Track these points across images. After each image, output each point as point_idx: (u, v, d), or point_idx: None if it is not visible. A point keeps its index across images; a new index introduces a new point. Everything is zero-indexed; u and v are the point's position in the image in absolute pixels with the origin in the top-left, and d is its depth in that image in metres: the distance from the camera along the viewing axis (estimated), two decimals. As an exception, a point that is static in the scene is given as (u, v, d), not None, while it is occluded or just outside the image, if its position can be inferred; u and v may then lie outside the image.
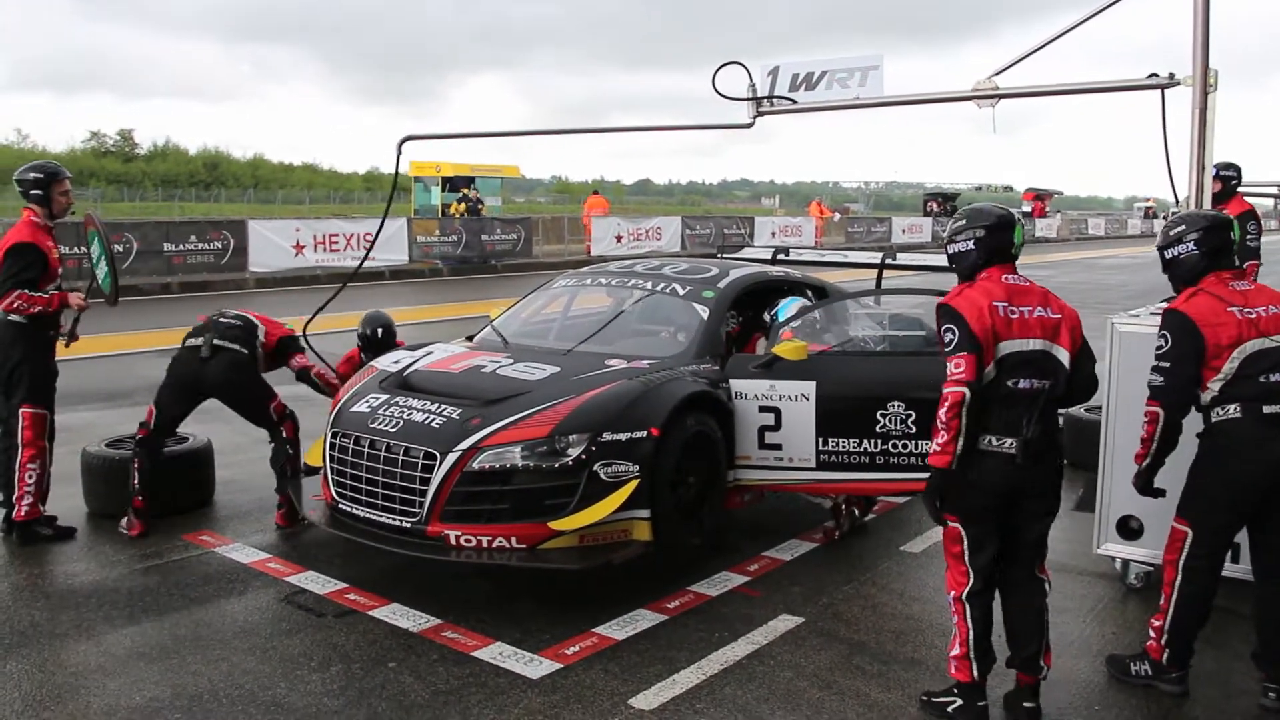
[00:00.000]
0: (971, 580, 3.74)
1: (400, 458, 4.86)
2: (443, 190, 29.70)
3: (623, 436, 4.83)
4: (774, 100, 6.34)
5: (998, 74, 5.71)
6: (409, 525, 4.82)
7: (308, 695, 3.97)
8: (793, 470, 5.40)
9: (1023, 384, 3.65)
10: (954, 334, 3.64)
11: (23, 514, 5.54)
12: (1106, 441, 5.01)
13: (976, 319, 3.62)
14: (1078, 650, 4.46)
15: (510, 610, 4.77)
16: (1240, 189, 7.69)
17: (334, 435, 5.25)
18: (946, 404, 3.59)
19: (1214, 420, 3.91)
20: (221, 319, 6.01)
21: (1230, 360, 3.82)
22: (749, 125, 6.48)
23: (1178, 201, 5.28)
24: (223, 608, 4.82)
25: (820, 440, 5.30)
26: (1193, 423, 3.99)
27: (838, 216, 42.59)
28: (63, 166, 5.75)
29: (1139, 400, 4.32)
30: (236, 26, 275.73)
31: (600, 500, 4.74)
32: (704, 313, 5.92)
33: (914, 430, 5.21)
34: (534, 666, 4.21)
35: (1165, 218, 4.59)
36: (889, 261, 7.12)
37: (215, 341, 5.83)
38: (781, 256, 7.53)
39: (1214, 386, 3.86)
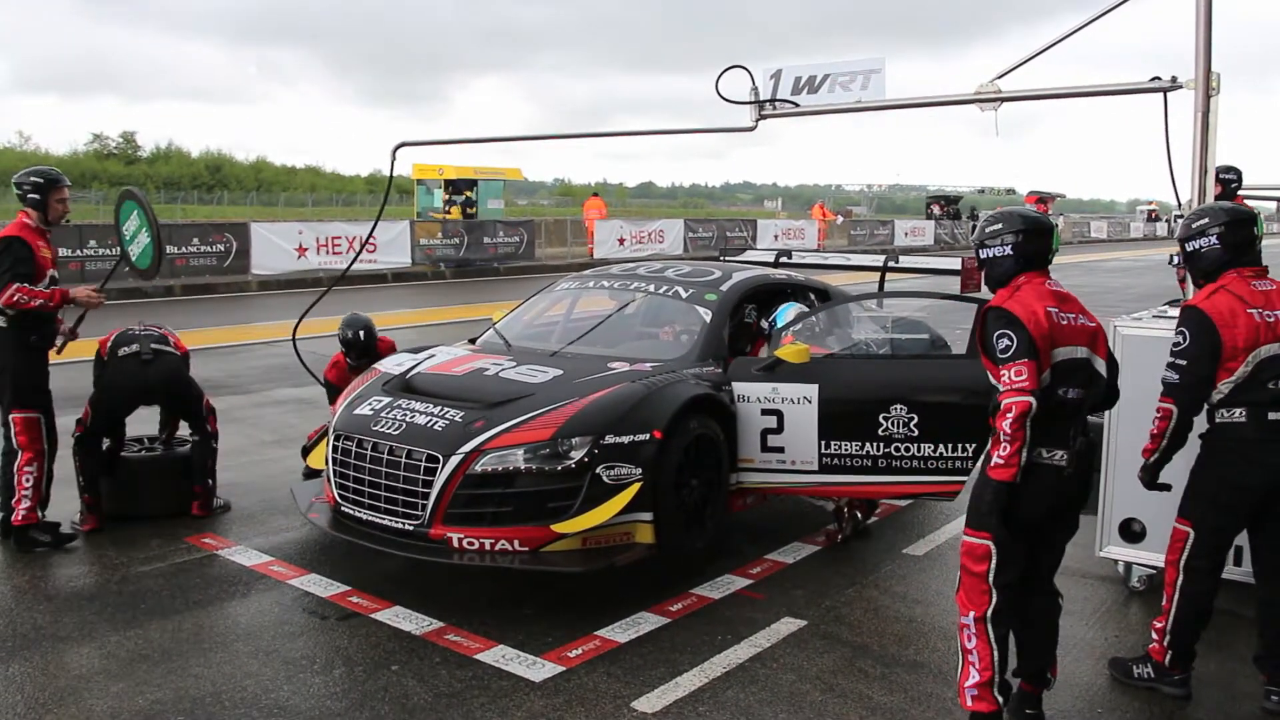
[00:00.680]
0: (994, 600, 3.52)
1: (403, 460, 4.87)
2: (445, 193, 29.78)
3: (625, 439, 4.83)
4: (776, 103, 6.34)
5: (1000, 77, 5.71)
6: (412, 528, 4.83)
7: (310, 698, 3.97)
8: (795, 473, 5.40)
9: (1071, 394, 3.53)
10: (1011, 340, 3.44)
11: (19, 518, 5.46)
12: (1109, 444, 5.01)
13: (1034, 324, 3.46)
14: (1080, 653, 4.46)
15: (513, 613, 4.78)
16: (1241, 192, 7.69)
17: (337, 438, 5.25)
18: (1011, 414, 3.36)
19: (1218, 422, 3.90)
20: (141, 330, 6.17)
21: (1245, 364, 3.78)
22: (752, 128, 6.49)
23: (1180, 205, 5.28)
24: (225, 610, 4.82)
25: (822, 443, 5.30)
26: (1196, 422, 3.97)
27: (840, 219, 42.57)
28: (64, 175, 5.73)
29: (1141, 403, 4.32)
30: (241, 29, 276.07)
31: (603, 503, 4.74)
32: (706, 315, 5.92)
33: (916, 433, 5.20)
34: (537, 669, 4.21)
35: (1169, 221, 4.59)
36: (892, 264, 7.12)
37: (152, 346, 6.03)
38: (784, 259, 7.54)
39: (1223, 388, 3.83)
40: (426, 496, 4.78)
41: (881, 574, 5.41)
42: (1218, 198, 5.65)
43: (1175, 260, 5.27)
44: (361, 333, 6.72)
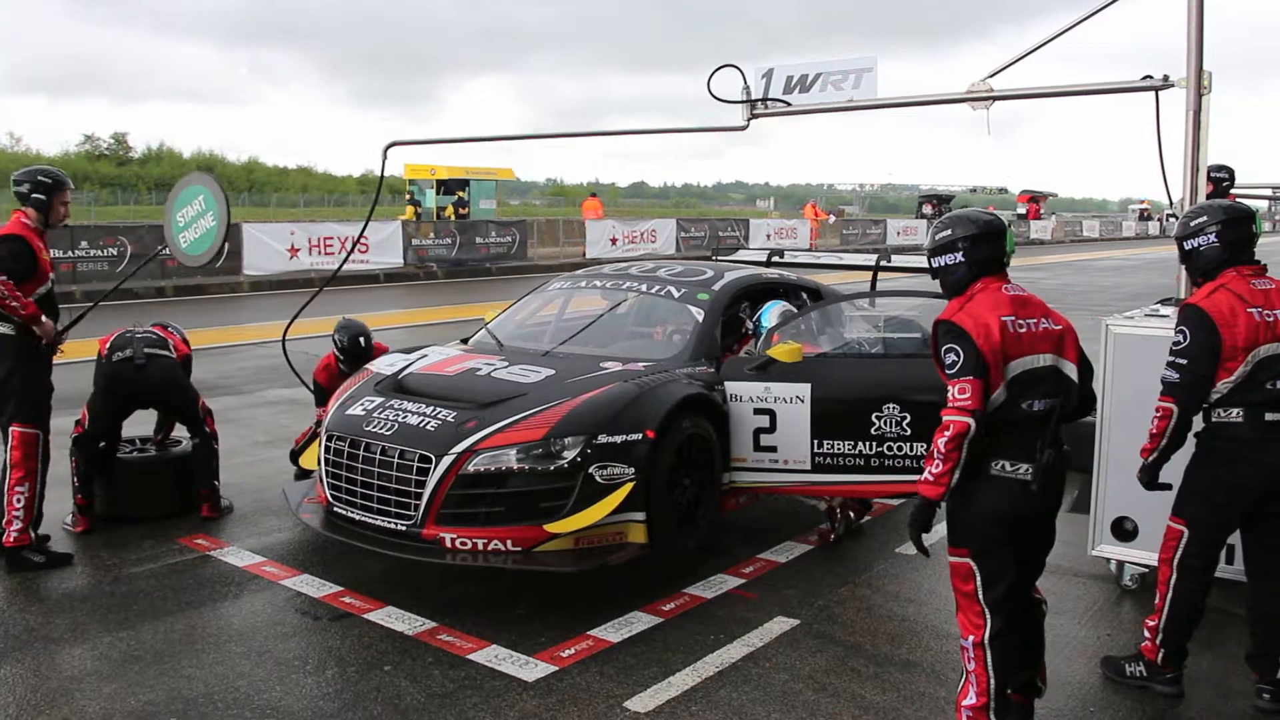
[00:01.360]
0: (989, 621, 3.40)
1: (395, 460, 4.86)
2: (437, 193, 29.75)
3: (618, 439, 4.82)
4: (768, 103, 6.35)
5: (992, 76, 5.72)
6: (404, 528, 4.82)
7: (303, 698, 3.96)
8: (788, 472, 5.40)
9: (1037, 405, 3.35)
10: (958, 355, 3.30)
11: (11, 540, 5.24)
12: (1101, 444, 5.02)
13: (984, 338, 3.29)
14: (1072, 652, 4.46)
15: (505, 613, 4.77)
16: (1233, 191, 7.71)
17: (329, 438, 5.24)
18: (948, 434, 3.26)
19: (1214, 421, 3.89)
20: (139, 333, 6.13)
21: (1244, 364, 3.76)
22: (743, 128, 6.49)
23: (1172, 203, 5.29)
24: (218, 611, 4.81)
25: (815, 442, 5.30)
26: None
27: (833, 219, 42.62)
28: (68, 177, 5.57)
29: (1133, 402, 4.33)
30: (233, 30, 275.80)
31: (596, 503, 4.74)
32: (699, 315, 5.93)
33: (909, 433, 5.21)
34: (529, 669, 4.21)
35: (1160, 220, 4.59)
36: (884, 264, 7.13)
37: (146, 350, 5.99)
38: (776, 259, 7.54)
39: (1221, 388, 3.81)
40: (419, 497, 4.77)
41: (874, 573, 5.41)
42: (1209, 196, 5.66)
43: None
44: (361, 339, 6.59)
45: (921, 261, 7.78)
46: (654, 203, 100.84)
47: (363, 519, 4.98)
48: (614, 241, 28.34)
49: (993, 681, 3.44)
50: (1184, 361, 3.81)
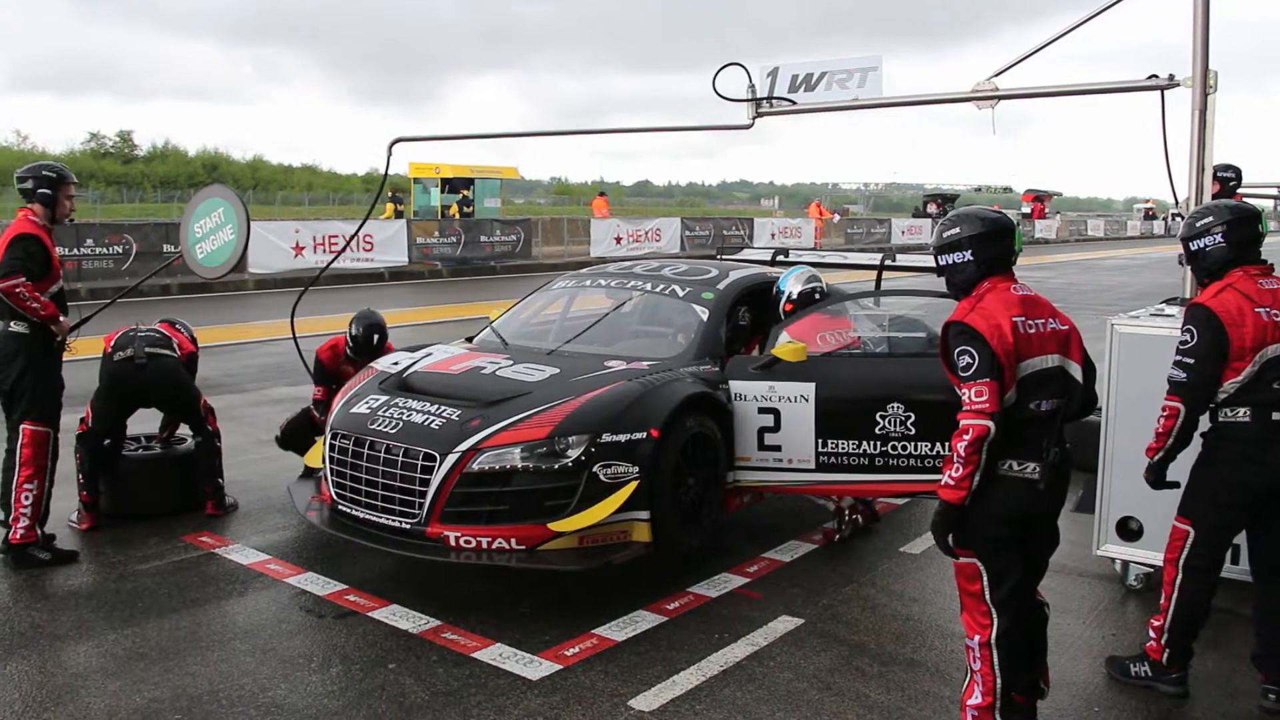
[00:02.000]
0: (996, 621, 3.40)
1: (400, 459, 4.86)
2: (442, 192, 29.74)
3: (622, 438, 4.83)
4: (773, 101, 6.35)
5: (997, 75, 5.72)
6: (409, 526, 4.82)
7: (307, 696, 3.97)
8: (792, 472, 5.40)
9: (1045, 405, 3.35)
10: (973, 357, 3.27)
11: (18, 537, 5.27)
12: (1106, 443, 5.01)
13: (997, 340, 3.26)
14: (1077, 652, 4.46)
15: (510, 612, 4.77)
16: (1240, 190, 7.69)
17: (334, 436, 5.25)
18: (968, 437, 3.23)
19: (1221, 421, 3.88)
20: (141, 331, 6.14)
21: (1252, 364, 3.75)
22: (748, 126, 6.49)
23: (1177, 203, 5.29)
24: (223, 609, 4.82)
25: (819, 442, 5.30)
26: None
27: (837, 218, 42.62)
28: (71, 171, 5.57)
29: (1138, 402, 4.32)
30: (237, 28, 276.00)
31: (600, 501, 4.74)
32: (703, 314, 5.92)
33: (913, 432, 5.21)
34: (534, 668, 4.21)
35: (1165, 219, 4.58)
36: (888, 263, 7.12)
37: (148, 349, 6.00)
38: (781, 258, 7.53)
39: (1229, 388, 3.80)
40: (423, 495, 4.78)
41: (879, 572, 5.41)
42: (1216, 196, 5.65)
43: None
44: (375, 335, 6.50)
45: (926, 261, 7.79)
46: (658, 202, 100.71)
47: (367, 517, 4.99)
48: (619, 240, 28.35)
49: (998, 681, 3.43)
50: (1191, 361, 3.80)
